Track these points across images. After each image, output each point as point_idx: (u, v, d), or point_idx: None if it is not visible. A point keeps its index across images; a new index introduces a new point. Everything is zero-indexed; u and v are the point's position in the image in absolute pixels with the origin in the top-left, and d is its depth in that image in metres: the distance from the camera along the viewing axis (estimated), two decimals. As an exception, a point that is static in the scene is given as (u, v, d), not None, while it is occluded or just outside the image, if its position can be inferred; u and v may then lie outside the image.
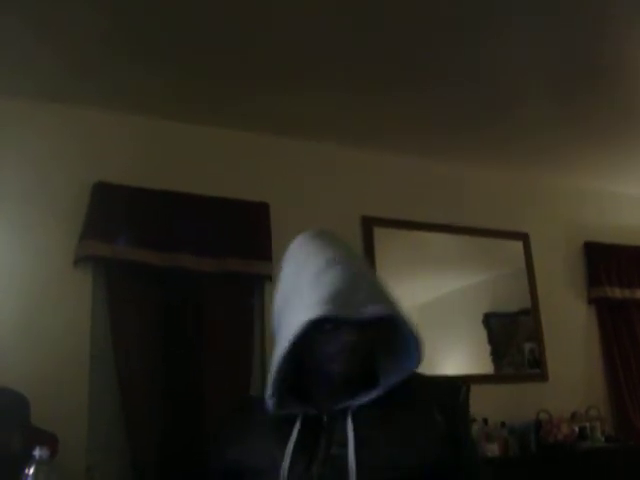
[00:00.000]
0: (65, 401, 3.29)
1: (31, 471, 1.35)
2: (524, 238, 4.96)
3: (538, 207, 5.11)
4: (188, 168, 3.98)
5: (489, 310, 4.74)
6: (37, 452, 1.38)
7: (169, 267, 3.67)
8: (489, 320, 4.72)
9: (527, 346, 4.78)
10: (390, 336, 1.39)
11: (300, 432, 1.34)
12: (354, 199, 4.39)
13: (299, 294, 1.35)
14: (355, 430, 1.31)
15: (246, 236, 3.91)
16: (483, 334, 4.69)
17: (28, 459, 1.38)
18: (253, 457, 1.37)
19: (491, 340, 4.70)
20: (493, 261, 4.83)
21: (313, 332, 1.30)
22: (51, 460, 1.40)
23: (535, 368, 4.72)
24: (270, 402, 1.35)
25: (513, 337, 4.79)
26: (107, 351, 3.53)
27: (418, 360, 1.36)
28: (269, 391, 1.34)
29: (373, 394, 1.33)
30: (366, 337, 1.33)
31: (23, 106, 3.66)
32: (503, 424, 4.20)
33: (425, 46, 3.43)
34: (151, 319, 3.64)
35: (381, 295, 1.36)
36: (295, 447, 1.32)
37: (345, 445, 1.29)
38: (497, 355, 4.69)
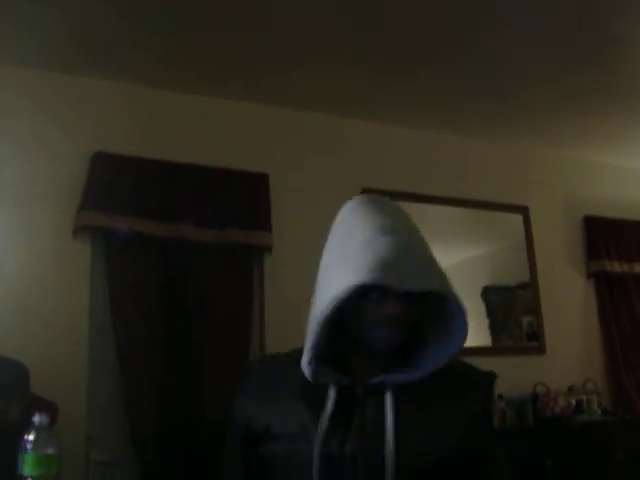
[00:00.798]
0: (64, 372, 3.30)
1: (31, 437, 1.36)
2: (524, 211, 4.95)
3: (539, 180, 5.10)
4: (188, 138, 3.96)
5: (488, 283, 4.75)
6: (37, 419, 1.38)
7: (168, 238, 3.66)
8: (488, 293, 4.73)
9: (525, 319, 4.80)
10: (434, 314, 1.35)
11: (333, 403, 1.29)
12: (354, 171, 4.37)
13: (346, 259, 1.29)
14: (393, 408, 1.27)
15: (246, 207, 3.90)
16: (482, 307, 4.71)
17: (28, 427, 1.38)
18: (282, 422, 1.33)
19: (489, 313, 4.72)
20: (493, 234, 4.83)
21: (356, 299, 1.25)
22: (50, 427, 1.40)
23: (533, 341, 4.74)
24: (307, 370, 1.29)
25: (511, 310, 4.81)
26: (106, 321, 3.53)
27: (462, 342, 1.32)
28: (306, 358, 1.28)
29: (415, 375, 1.29)
30: (411, 311, 1.28)
31: (23, 75, 3.63)
32: (500, 396, 4.22)
33: (427, 23, 3.41)
34: (150, 290, 3.64)
35: (431, 268, 1.30)
36: (330, 419, 1.28)
37: (382, 423, 1.26)
38: (495, 328, 4.71)
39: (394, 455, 1.23)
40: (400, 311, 1.26)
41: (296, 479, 1.29)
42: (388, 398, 1.28)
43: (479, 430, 1.34)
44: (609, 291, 5.10)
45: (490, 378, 1.42)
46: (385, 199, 1.43)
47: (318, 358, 1.29)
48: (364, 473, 1.25)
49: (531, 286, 4.83)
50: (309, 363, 1.28)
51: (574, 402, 4.42)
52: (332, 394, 1.30)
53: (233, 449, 1.42)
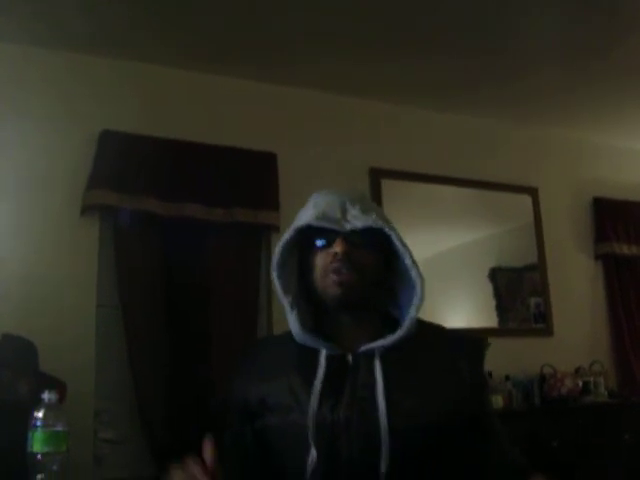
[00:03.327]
0: (72, 350, 3.31)
1: (40, 414, 1.37)
2: (533, 193, 4.92)
3: (549, 162, 5.07)
4: (196, 117, 3.94)
5: (495, 264, 4.74)
6: (46, 396, 1.39)
7: (176, 216, 3.66)
8: (495, 274, 4.72)
9: (533, 301, 4.79)
10: (402, 278, 1.43)
11: (325, 371, 1.35)
12: (362, 150, 4.35)
13: (296, 218, 1.45)
14: (383, 372, 1.32)
15: (253, 186, 3.89)
16: (489, 288, 4.70)
17: (37, 403, 1.39)
18: (275, 393, 1.38)
19: (497, 294, 4.71)
20: (501, 215, 4.81)
21: (311, 253, 1.42)
22: (59, 405, 1.41)
23: (540, 323, 4.74)
24: (292, 318, 1.40)
25: (519, 292, 4.80)
26: (114, 300, 3.55)
27: (420, 287, 1.38)
28: (287, 307, 1.41)
29: (396, 335, 1.35)
30: (362, 254, 1.39)
31: (31, 53, 3.62)
32: (507, 377, 4.23)
33: (440, 5, 3.39)
34: (158, 268, 3.64)
35: (372, 213, 1.41)
36: (321, 387, 1.32)
37: (372, 387, 1.31)
38: (502, 309, 4.70)
39: (386, 417, 1.27)
40: (345, 249, 1.37)
41: (293, 448, 1.32)
42: (377, 363, 1.33)
43: (470, 392, 1.37)
44: (617, 273, 5.08)
45: (479, 342, 1.48)
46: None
47: (302, 318, 1.41)
48: (358, 437, 1.29)
49: (539, 268, 4.82)
50: (292, 309, 1.41)
51: (581, 384, 4.41)
52: (322, 362, 1.36)
53: (233, 432, 1.45)
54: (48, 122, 3.59)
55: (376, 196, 4.26)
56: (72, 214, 3.53)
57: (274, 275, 1.43)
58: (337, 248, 1.37)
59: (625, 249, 5.08)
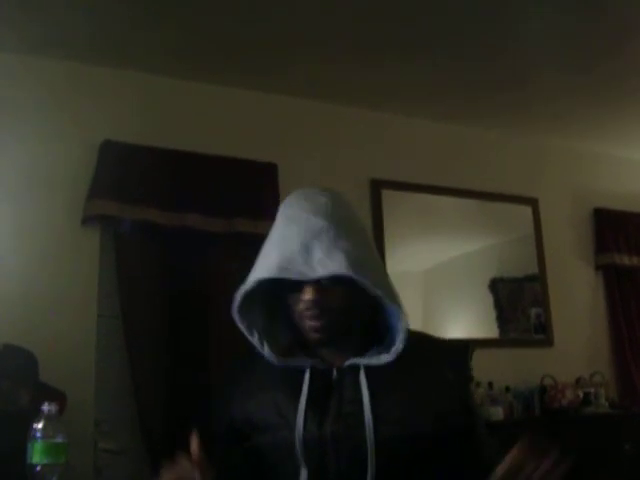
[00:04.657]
0: (73, 360, 3.31)
1: (40, 425, 1.36)
2: (533, 203, 4.92)
3: (549, 172, 5.08)
4: (197, 127, 3.95)
5: (496, 275, 4.73)
6: (46, 407, 1.39)
7: (177, 226, 3.66)
8: (496, 285, 4.72)
9: (533, 311, 4.79)
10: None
11: (310, 387, 1.34)
12: (363, 161, 4.36)
13: (262, 254, 1.41)
14: (368, 386, 1.31)
15: (254, 197, 3.89)
16: (489, 299, 4.69)
17: (37, 414, 1.39)
18: (261, 412, 1.37)
19: (497, 305, 4.70)
20: (501, 226, 4.81)
21: (285, 291, 1.37)
22: (59, 416, 1.41)
23: (541, 333, 4.73)
24: (267, 353, 1.38)
25: (519, 302, 4.79)
26: (114, 310, 3.54)
27: (401, 314, 1.32)
28: (256, 343, 1.40)
29: (383, 359, 1.33)
30: (328, 295, 1.32)
31: (33, 63, 3.63)
32: (508, 388, 4.22)
33: (441, 14, 3.40)
34: (158, 279, 3.64)
35: (340, 252, 1.30)
36: (307, 404, 1.32)
37: (359, 402, 1.30)
38: (503, 320, 4.69)
39: (373, 432, 1.26)
40: (315, 297, 1.31)
41: (283, 465, 1.32)
42: (362, 377, 1.32)
43: (458, 401, 1.36)
44: (618, 284, 5.08)
45: (463, 348, 1.46)
46: (320, 191, 1.46)
47: (283, 342, 1.40)
48: (346, 451, 1.28)
49: (540, 278, 4.82)
50: (261, 347, 1.39)
51: (582, 394, 4.41)
52: (307, 378, 1.35)
53: (221, 452, 1.44)
54: (49, 132, 3.59)
55: (377, 207, 4.27)
56: (73, 224, 3.54)
57: (236, 319, 1.42)
58: (306, 296, 1.32)
59: (626, 260, 5.08)
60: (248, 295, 1.40)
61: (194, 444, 1.20)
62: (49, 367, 3.01)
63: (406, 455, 1.28)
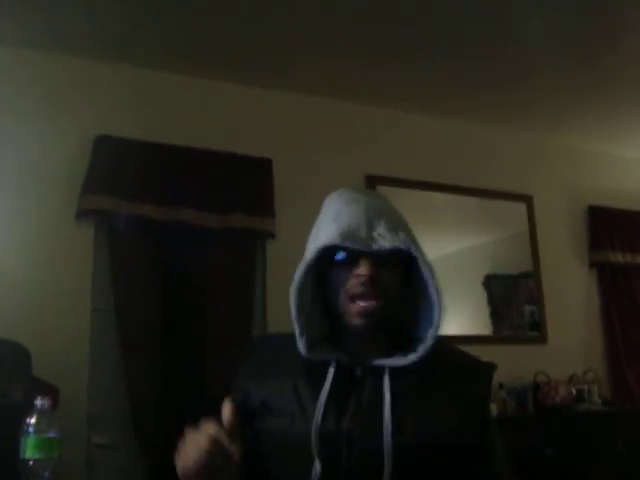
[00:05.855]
0: (66, 355, 3.30)
1: (33, 420, 1.36)
2: (528, 200, 4.93)
3: (544, 170, 5.08)
4: (192, 122, 3.94)
5: (490, 272, 4.74)
6: (39, 402, 1.39)
7: (171, 222, 3.66)
8: (490, 282, 4.73)
9: (527, 309, 4.80)
10: (423, 295, 1.35)
11: (333, 382, 1.31)
12: (358, 157, 4.36)
13: (317, 235, 1.35)
14: (391, 390, 1.29)
15: (249, 192, 3.89)
16: (483, 296, 4.70)
17: (30, 409, 1.38)
18: (281, 397, 1.34)
19: (491, 302, 4.71)
20: (496, 223, 4.82)
21: (332, 270, 1.32)
22: (52, 410, 1.40)
23: (535, 330, 4.74)
24: (301, 344, 1.32)
25: (513, 299, 4.80)
26: (108, 305, 3.54)
27: (438, 315, 1.31)
28: (297, 331, 1.32)
29: (410, 358, 1.30)
30: (387, 276, 1.30)
31: (27, 57, 3.61)
32: (501, 385, 4.22)
33: (440, 11, 3.40)
34: (152, 273, 3.64)
35: (398, 231, 1.32)
36: (328, 398, 1.29)
37: (379, 403, 1.28)
38: (497, 317, 4.70)
39: (391, 438, 1.24)
40: (369, 272, 1.27)
41: (295, 457, 1.29)
42: (386, 381, 1.30)
43: (477, 419, 1.35)
44: (611, 281, 5.09)
45: (490, 369, 1.43)
46: (366, 190, 1.47)
47: (313, 334, 1.33)
48: (359, 452, 1.26)
49: (534, 275, 4.83)
50: (302, 335, 1.31)
51: (575, 391, 4.42)
52: (331, 372, 1.32)
53: None
54: (43, 126, 3.59)
55: (371, 203, 4.26)
56: (67, 218, 3.53)
57: (292, 298, 1.32)
58: (363, 270, 1.28)
59: (620, 257, 5.09)
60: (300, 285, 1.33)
61: (227, 412, 1.16)
62: (42, 362, 3.00)
63: (422, 465, 1.26)
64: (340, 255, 1.31)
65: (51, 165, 3.56)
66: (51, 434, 1.37)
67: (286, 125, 4.22)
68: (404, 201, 4.35)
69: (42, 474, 1.35)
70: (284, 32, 3.60)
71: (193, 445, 1.14)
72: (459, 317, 4.60)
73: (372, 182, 4.33)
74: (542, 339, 4.71)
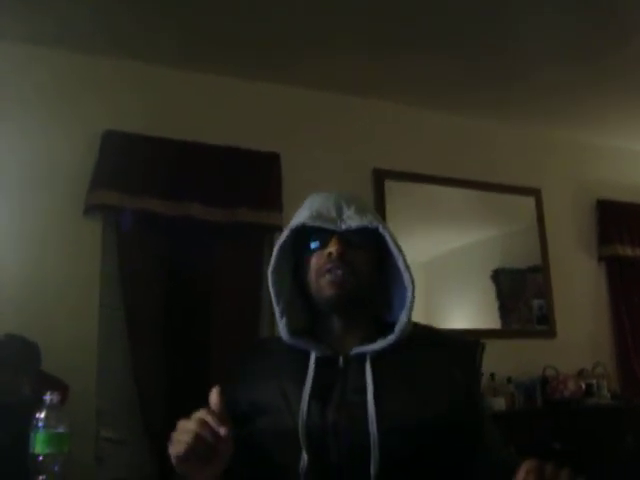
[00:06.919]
0: (75, 350, 3.31)
1: (42, 415, 1.36)
2: (537, 194, 4.91)
3: (552, 163, 5.06)
4: (199, 117, 3.94)
5: (498, 266, 4.73)
6: (48, 397, 1.39)
7: (179, 217, 3.66)
8: (498, 276, 4.72)
9: (536, 302, 4.78)
10: (395, 281, 1.42)
11: (315, 374, 1.34)
12: (366, 151, 4.35)
13: (293, 220, 1.44)
14: (374, 377, 1.31)
15: (256, 186, 3.89)
16: (492, 289, 4.69)
17: (39, 404, 1.38)
18: (267, 396, 1.37)
19: (500, 296, 4.70)
20: (504, 217, 4.81)
21: (307, 259, 1.41)
22: (61, 405, 1.40)
23: (543, 324, 4.73)
24: (281, 326, 1.39)
25: (522, 293, 4.79)
26: (116, 300, 3.54)
27: (410, 289, 1.37)
28: (277, 314, 1.40)
29: (388, 340, 1.34)
30: (353, 253, 1.38)
31: (35, 53, 3.62)
32: (510, 379, 4.22)
33: (444, 7, 3.40)
34: (160, 268, 3.64)
35: (367, 213, 1.41)
36: (311, 390, 1.32)
37: (363, 392, 1.30)
38: (505, 311, 4.69)
39: (375, 422, 1.26)
40: (338, 250, 1.36)
41: (284, 452, 1.31)
42: (368, 367, 1.32)
43: (464, 399, 1.35)
44: (620, 275, 5.07)
45: (474, 346, 1.43)
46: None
47: (293, 320, 1.41)
48: (347, 441, 1.28)
49: (542, 269, 4.81)
50: (282, 315, 1.40)
51: (584, 386, 4.41)
52: (312, 364, 1.35)
53: None
54: (51, 122, 3.59)
55: (379, 197, 4.26)
56: (75, 214, 3.53)
57: (271, 279, 1.42)
58: (332, 248, 1.36)
59: (629, 251, 5.07)
60: (277, 268, 1.43)
61: (214, 398, 1.19)
62: (51, 357, 3.02)
63: (409, 448, 1.27)
64: (314, 244, 1.40)
65: (59, 161, 3.56)
66: (60, 429, 1.37)
67: (293, 119, 4.22)
68: (412, 195, 4.42)
69: (52, 469, 1.35)
70: (290, 27, 3.59)
71: (183, 430, 1.17)
72: (467, 311, 4.59)
73: (379, 176, 4.32)
74: (551, 333, 4.69)
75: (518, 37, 3.72)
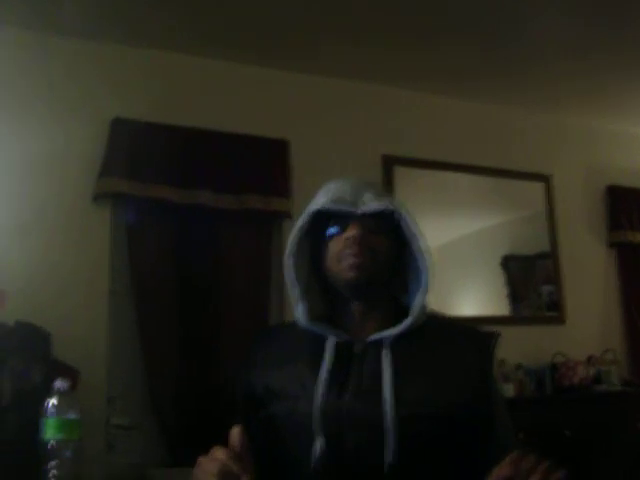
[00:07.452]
0: (85, 337, 3.33)
1: (53, 402, 1.37)
2: (546, 180, 4.89)
3: (562, 149, 5.03)
4: (209, 104, 3.93)
5: (508, 252, 4.72)
6: (58, 384, 1.39)
7: (188, 204, 3.66)
8: (508, 262, 4.71)
9: (545, 289, 4.77)
10: (407, 266, 1.43)
11: (332, 359, 1.34)
12: (375, 137, 4.34)
13: (310, 207, 1.44)
14: (391, 362, 1.31)
15: (265, 173, 3.89)
16: (501, 276, 4.68)
17: (50, 391, 1.39)
18: (283, 381, 1.37)
19: (509, 282, 4.69)
20: (514, 203, 4.79)
21: (327, 245, 1.41)
22: (72, 392, 1.41)
23: (553, 311, 4.72)
24: (299, 311, 1.40)
25: (531, 280, 4.78)
26: (126, 287, 3.56)
27: (427, 275, 1.38)
28: (295, 297, 1.41)
29: (404, 324, 1.35)
30: (372, 237, 1.38)
31: (44, 41, 3.61)
32: (519, 366, 4.21)
33: None
34: (169, 256, 3.65)
35: (385, 197, 1.42)
36: (328, 375, 1.32)
37: (379, 377, 1.30)
38: (515, 297, 4.69)
39: (392, 408, 1.26)
40: (359, 234, 1.36)
41: (299, 437, 1.31)
42: (384, 353, 1.33)
43: (479, 387, 1.35)
44: (631, 261, 5.05)
45: (490, 337, 1.43)
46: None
47: (311, 304, 1.41)
48: (363, 427, 1.28)
49: (551, 255, 4.80)
50: (298, 302, 1.40)
51: (593, 372, 4.40)
52: (330, 350, 1.35)
53: (239, 420, 1.43)
54: (61, 109, 3.59)
55: (389, 183, 4.24)
56: (84, 201, 3.54)
57: (289, 263, 1.42)
58: (351, 232, 1.36)
59: (639, 237, 5.04)
60: (295, 253, 1.43)
61: (236, 436, 1.16)
62: (61, 344, 3.03)
63: (425, 435, 1.28)
64: (333, 229, 1.40)
65: (68, 148, 3.56)
66: (71, 415, 1.38)
67: (303, 106, 4.20)
68: (421, 182, 4.40)
69: (63, 455, 1.36)
70: (303, 14, 3.57)
71: (205, 471, 1.15)
72: (477, 298, 4.59)
73: (389, 162, 4.31)
74: (560, 319, 4.68)
75: (531, 23, 3.68)
